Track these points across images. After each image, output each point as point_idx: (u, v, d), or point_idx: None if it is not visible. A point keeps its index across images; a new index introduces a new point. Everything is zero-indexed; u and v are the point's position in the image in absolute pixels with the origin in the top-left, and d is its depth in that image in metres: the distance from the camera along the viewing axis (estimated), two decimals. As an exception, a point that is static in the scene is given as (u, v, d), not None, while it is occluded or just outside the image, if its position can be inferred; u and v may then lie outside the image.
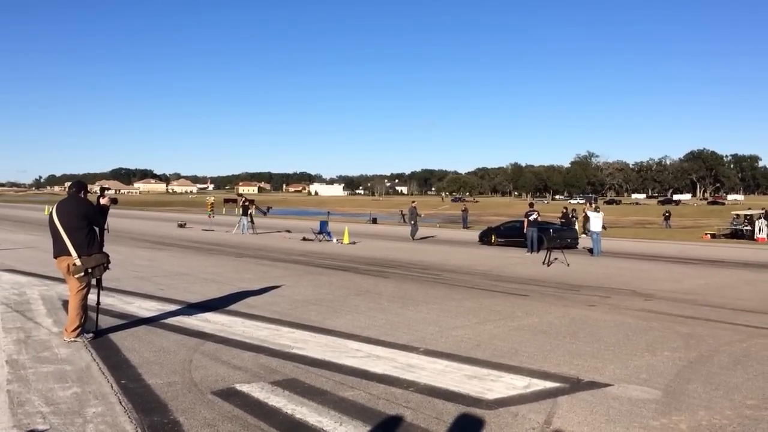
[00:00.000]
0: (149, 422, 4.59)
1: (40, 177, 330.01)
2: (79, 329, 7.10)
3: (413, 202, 32.54)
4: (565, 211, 33.47)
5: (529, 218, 23.20)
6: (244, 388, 5.47)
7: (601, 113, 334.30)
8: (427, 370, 6.14)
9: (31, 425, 4.47)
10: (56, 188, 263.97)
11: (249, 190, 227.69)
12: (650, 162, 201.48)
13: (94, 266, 7.08)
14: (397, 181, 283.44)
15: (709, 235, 38.03)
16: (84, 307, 7.13)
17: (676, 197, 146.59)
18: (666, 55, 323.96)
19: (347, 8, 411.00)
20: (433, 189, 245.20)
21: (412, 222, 30.17)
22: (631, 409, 5.10)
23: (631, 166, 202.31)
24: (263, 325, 8.24)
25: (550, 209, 63.26)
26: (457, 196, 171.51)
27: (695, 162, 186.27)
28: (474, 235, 31.30)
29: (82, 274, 6.99)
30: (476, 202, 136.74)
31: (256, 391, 5.39)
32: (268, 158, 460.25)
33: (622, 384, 5.81)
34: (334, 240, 26.63)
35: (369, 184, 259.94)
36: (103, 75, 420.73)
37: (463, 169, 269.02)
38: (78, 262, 6.96)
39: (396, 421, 4.74)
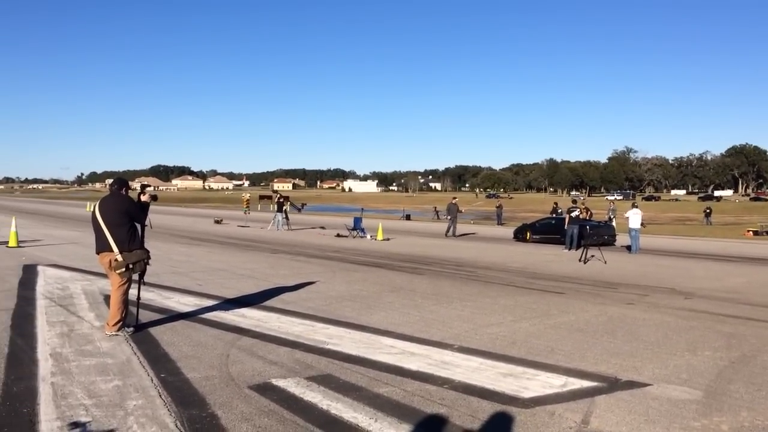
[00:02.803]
0: (188, 415, 4.67)
1: (82, 174, 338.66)
2: (121, 323, 7.26)
3: (454, 198, 32.24)
4: (555, 206, 33.32)
5: (572, 215, 22.79)
6: (280, 383, 5.53)
7: (640, 108, 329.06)
8: (462, 368, 6.12)
9: (74, 417, 4.59)
10: (97, 185, 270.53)
11: (284, 186, 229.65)
12: (690, 157, 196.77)
13: (135, 262, 7.22)
14: (430, 177, 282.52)
15: (751, 232, 37.01)
16: (125, 301, 7.29)
17: (717, 193, 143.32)
18: (707, 49, 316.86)
19: (381, 6, 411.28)
20: (467, 185, 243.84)
21: (450, 218, 29.72)
22: (671, 409, 5.01)
23: (670, 161, 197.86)
24: (298, 321, 8.31)
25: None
26: (492, 192, 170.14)
27: (737, 157, 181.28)
28: (508, 231, 31.05)
29: (124, 269, 7.14)
30: (511, 198, 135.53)
31: (292, 386, 5.44)
32: (302, 155, 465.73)
33: (662, 384, 5.71)
34: (368, 236, 26.68)
35: (403, 181, 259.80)
36: (142, 74, 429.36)
37: (498, 165, 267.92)
38: (120, 257, 7.11)
39: (431, 418, 4.74)
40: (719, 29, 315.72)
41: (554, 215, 31.69)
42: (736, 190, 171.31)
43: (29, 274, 12.53)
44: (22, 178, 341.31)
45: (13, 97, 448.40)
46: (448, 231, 29.13)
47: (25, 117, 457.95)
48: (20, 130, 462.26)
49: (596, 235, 22.86)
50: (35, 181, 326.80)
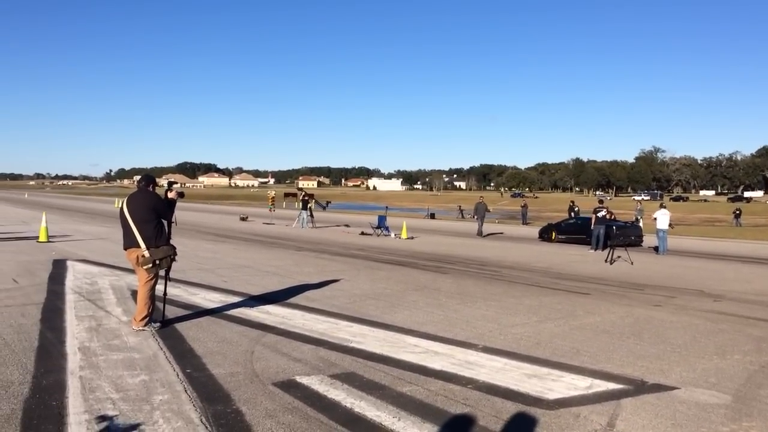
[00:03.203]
0: (213, 411, 4.72)
1: (111, 170, 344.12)
2: (147, 319, 7.35)
3: (481, 197, 32.15)
4: (572, 205, 32.94)
5: (598, 215, 22.48)
6: (304, 380, 5.55)
7: (668, 107, 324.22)
8: (486, 368, 6.09)
9: (102, 411, 4.65)
10: (125, 181, 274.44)
11: (309, 184, 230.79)
12: (720, 157, 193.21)
13: (162, 258, 7.30)
14: (455, 176, 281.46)
15: (783, 234, 36.28)
16: (152, 297, 7.38)
17: (747, 194, 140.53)
18: (737, 47, 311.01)
19: (407, 4, 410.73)
20: (492, 184, 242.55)
21: (478, 217, 29.54)
22: (699, 413, 4.93)
23: (699, 161, 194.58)
24: (322, 319, 8.34)
25: (613, 206, 61.47)
26: (517, 191, 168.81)
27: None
28: (534, 231, 30.79)
29: (151, 265, 7.23)
30: (536, 197, 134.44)
31: (316, 383, 5.46)
32: (327, 153, 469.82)
33: (690, 387, 5.62)
34: (392, 235, 26.67)
35: (427, 179, 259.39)
36: (170, 73, 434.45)
37: (523, 164, 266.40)
38: (147, 253, 7.19)
39: (454, 418, 4.72)
40: (749, 27, 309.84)
41: (571, 214, 31.32)
42: (766, 192, 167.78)
43: (59, 269, 12.75)
44: (53, 174, 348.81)
45: (45, 94, 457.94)
46: (480, 231, 28.86)
47: (55, 114, 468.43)
48: (51, 127, 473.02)
49: (623, 235, 22.59)
50: (65, 177, 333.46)
